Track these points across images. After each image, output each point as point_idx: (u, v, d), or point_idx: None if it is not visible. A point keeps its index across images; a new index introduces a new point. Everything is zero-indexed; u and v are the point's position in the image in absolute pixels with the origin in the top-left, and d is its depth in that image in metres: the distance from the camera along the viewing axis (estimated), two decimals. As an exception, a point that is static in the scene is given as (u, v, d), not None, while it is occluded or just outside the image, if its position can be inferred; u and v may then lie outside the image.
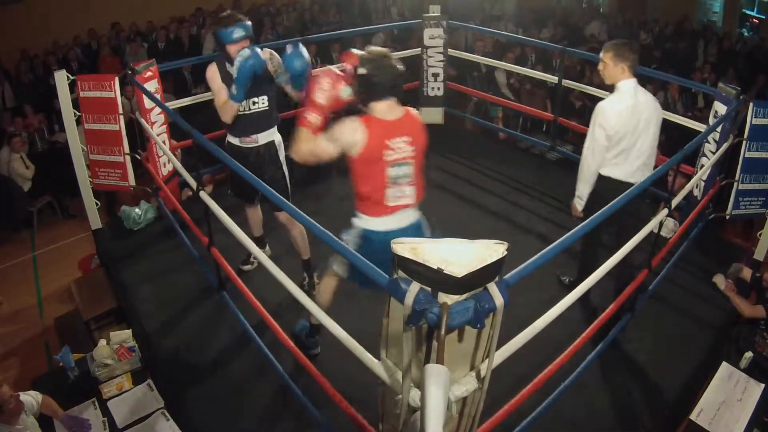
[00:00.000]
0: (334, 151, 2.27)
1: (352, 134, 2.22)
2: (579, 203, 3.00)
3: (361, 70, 2.22)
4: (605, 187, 2.84)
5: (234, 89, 2.82)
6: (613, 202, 2.16)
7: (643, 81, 7.44)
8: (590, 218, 2.04)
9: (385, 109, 2.26)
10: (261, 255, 2.40)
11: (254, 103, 3.03)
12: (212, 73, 3.03)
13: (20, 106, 7.40)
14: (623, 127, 2.72)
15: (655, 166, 2.93)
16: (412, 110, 2.36)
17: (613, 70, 2.77)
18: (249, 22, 2.98)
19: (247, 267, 3.59)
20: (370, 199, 2.34)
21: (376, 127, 2.23)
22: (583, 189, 2.93)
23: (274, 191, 2.23)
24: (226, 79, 2.98)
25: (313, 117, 2.29)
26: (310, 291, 3.31)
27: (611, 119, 2.72)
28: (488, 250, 1.45)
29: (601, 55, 2.83)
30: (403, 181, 2.32)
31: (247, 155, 3.12)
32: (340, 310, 3.21)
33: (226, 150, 3.07)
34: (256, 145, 3.13)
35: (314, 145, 2.27)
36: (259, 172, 2.56)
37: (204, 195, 2.84)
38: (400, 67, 2.24)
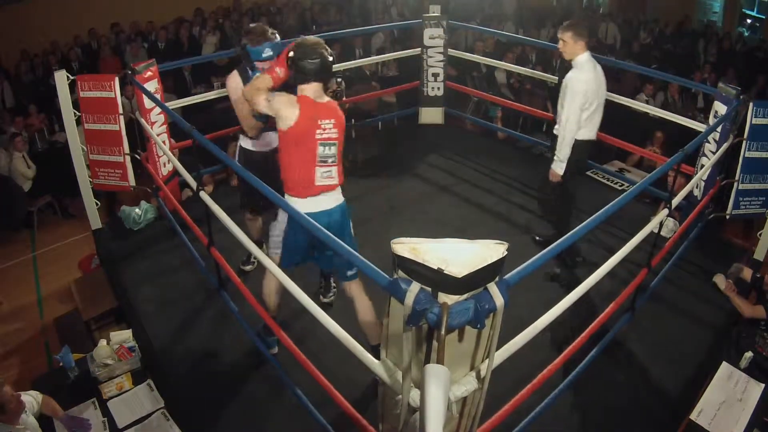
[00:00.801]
0: (264, 109, 2.44)
1: (288, 106, 2.37)
2: (561, 167, 3.32)
3: (291, 55, 2.38)
4: (578, 148, 3.27)
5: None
6: (611, 204, 2.17)
7: (643, 81, 7.47)
8: (590, 218, 2.04)
9: (313, 92, 2.41)
10: (261, 255, 2.40)
11: None
12: (235, 83, 2.96)
13: (21, 105, 7.41)
14: (592, 94, 3.16)
15: (655, 167, 2.94)
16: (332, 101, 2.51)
17: (573, 47, 3.17)
18: (278, 38, 2.95)
19: (248, 267, 3.59)
20: (300, 180, 2.45)
21: (308, 105, 2.39)
22: (566, 152, 3.27)
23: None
24: None
25: (281, 72, 2.46)
26: (325, 294, 3.25)
27: (584, 88, 3.13)
28: (488, 250, 1.45)
29: (560, 35, 3.21)
30: (330, 161, 2.46)
31: (259, 161, 3.09)
32: (340, 310, 3.22)
33: (240, 155, 3.12)
34: (270, 149, 3.10)
35: (261, 94, 2.44)
36: (269, 179, 2.53)
37: (204, 195, 2.84)
38: (329, 56, 2.39)
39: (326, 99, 2.47)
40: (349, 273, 2.58)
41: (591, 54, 3.21)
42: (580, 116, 3.18)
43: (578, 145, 3.27)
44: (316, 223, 2.06)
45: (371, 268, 1.63)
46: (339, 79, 2.59)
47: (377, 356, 1.78)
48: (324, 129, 2.41)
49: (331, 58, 2.40)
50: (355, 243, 2.64)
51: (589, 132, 3.30)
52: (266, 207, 3.24)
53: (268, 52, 2.87)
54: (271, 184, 2.43)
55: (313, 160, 2.42)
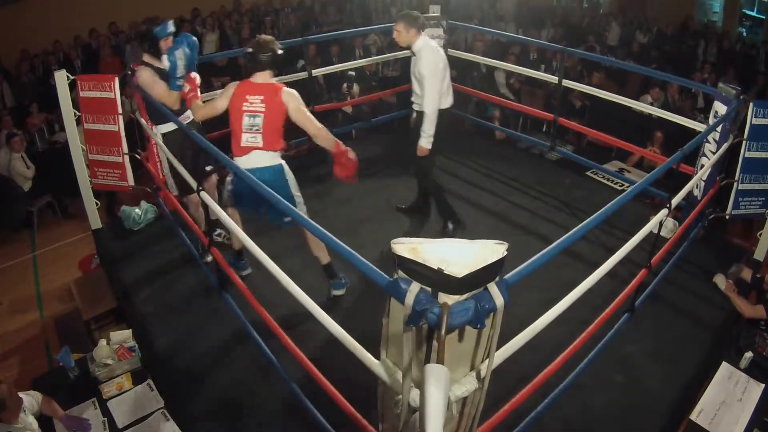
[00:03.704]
0: (221, 104, 3.08)
1: (227, 90, 3.08)
2: (430, 142, 3.64)
3: (247, 49, 3.01)
4: (441, 118, 3.62)
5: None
6: (610, 203, 2.17)
7: (644, 81, 7.46)
8: (590, 218, 2.04)
9: (261, 77, 3.01)
10: (261, 255, 2.40)
11: None
12: (143, 76, 3.40)
13: (21, 105, 7.41)
14: (442, 70, 3.56)
15: (654, 167, 2.95)
16: (286, 88, 3.01)
17: (407, 36, 3.51)
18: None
19: (245, 272, 3.54)
20: (234, 141, 3.06)
21: (243, 86, 3.03)
22: (432, 128, 3.60)
23: (282, 199, 2.32)
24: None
25: (191, 94, 3.30)
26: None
27: (432, 69, 3.48)
28: (488, 250, 1.45)
29: (394, 25, 3.56)
30: (254, 130, 3.00)
31: (181, 139, 3.39)
32: (340, 310, 3.22)
33: (166, 142, 3.45)
34: (186, 122, 3.35)
35: (209, 108, 3.17)
36: (193, 150, 3.20)
37: (204, 195, 2.84)
38: (279, 51, 3.02)
39: (267, 81, 3.02)
40: (286, 220, 3.01)
41: (425, 37, 3.58)
42: (438, 94, 3.55)
43: (439, 115, 3.63)
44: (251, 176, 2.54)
45: (371, 268, 1.63)
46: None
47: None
48: (251, 102, 2.98)
49: (280, 52, 3.02)
50: (298, 204, 3.14)
51: (446, 102, 3.71)
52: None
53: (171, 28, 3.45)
54: (196, 154, 3.42)
55: (240, 129, 3.01)
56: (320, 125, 3.06)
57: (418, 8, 5.03)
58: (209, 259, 3.52)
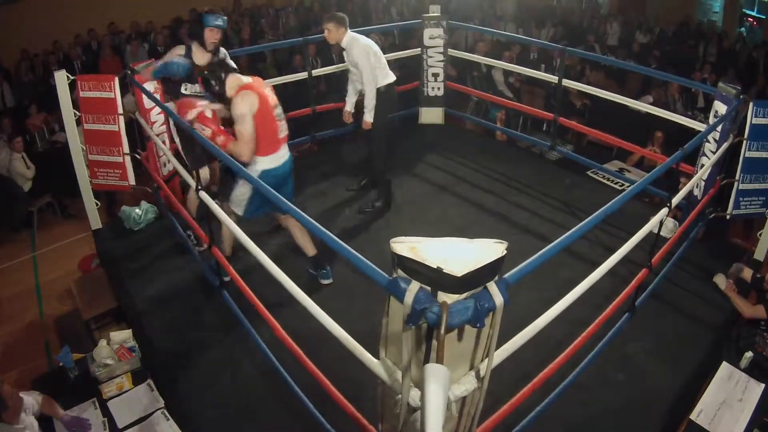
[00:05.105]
0: (251, 125, 2.95)
1: (248, 103, 2.94)
2: (371, 116, 4.01)
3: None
4: (384, 93, 4.02)
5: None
6: (610, 203, 2.17)
7: (644, 81, 7.44)
8: (589, 218, 2.04)
9: (250, 78, 3.08)
10: (261, 255, 2.40)
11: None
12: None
13: (21, 105, 7.40)
14: (374, 56, 3.96)
15: (654, 167, 2.95)
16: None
17: (336, 33, 3.93)
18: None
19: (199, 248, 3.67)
20: (268, 139, 3.04)
21: (254, 85, 3.01)
22: (374, 102, 3.99)
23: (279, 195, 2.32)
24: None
25: (222, 138, 3.01)
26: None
27: (365, 57, 3.90)
28: (488, 250, 1.45)
29: (325, 25, 3.95)
30: (282, 117, 3.12)
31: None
32: (340, 310, 3.22)
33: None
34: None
35: (245, 143, 2.98)
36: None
37: (204, 195, 2.84)
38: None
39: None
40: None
41: (351, 30, 3.99)
42: (374, 74, 3.95)
43: (385, 90, 4.03)
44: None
45: (371, 267, 1.63)
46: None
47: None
48: (269, 96, 3.02)
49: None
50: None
51: (385, 79, 4.04)
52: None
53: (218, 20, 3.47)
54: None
55: (275, 119, 3.05)
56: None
57: (418, 8, 5.04)
58: (203, 248, 3.59)
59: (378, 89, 3.99)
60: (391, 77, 4.12)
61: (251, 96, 2.94)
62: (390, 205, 4.32)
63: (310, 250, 3.38)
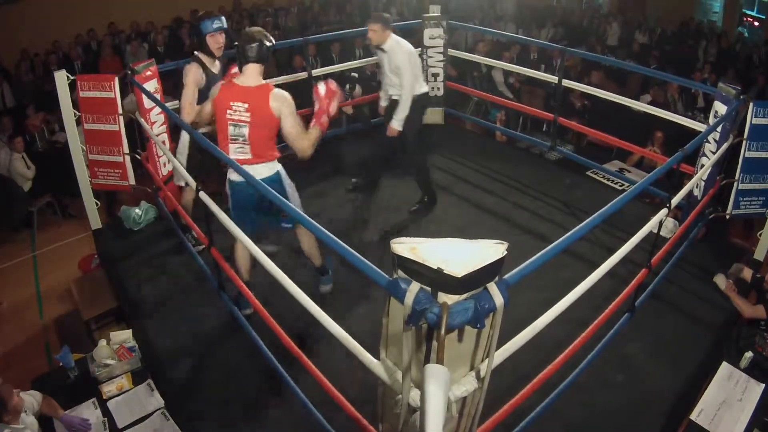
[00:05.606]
0: (207, 109, 2.86)
1: (213, 91, 2.78)
2: (401, 124, 3.95)
3: (237, 43, 2.71)
4: (417, 101, 3.97)
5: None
6: (611, 203, 2.17)
7: (644, 81, 7.44)
8: (590, 218, 2.04)
9: (248, 75, 2.71)
10: (259, 254, 2.40)
11: None
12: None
13: (21, 105, 7.40)
14: (416, 65, 3.96)
15: (655, 167, 2.95)
16: (276, 92, 2.70)
17: (382, 35, 3.83)
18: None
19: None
20: (221, 142, 2.81)
21: (227, 88, 2.73)
22: (406, 113, 3.92)
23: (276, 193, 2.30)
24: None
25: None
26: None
27: (409, 61, 3.85)
28: (488, 250, 1.45)
29: (370, 25, 3.83)
30: (241, 140, 2.75)
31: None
32: (341, 310, 3.22)
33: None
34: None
35: (194, 112, 3.10)
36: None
37: (204, 195, 2.84)
38: (268, 43, 2.69)
39: (253, 83, 2.71)
40: (285, 225, 3.00)
41: (394, 35, 3.92)
42: (414, 82, 3.91)
43: (418, 100, 3.99)
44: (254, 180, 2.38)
45: (371, 267, 1.63)
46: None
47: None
48: (235, 111, 2.69)
49: (269, 44, 2.71)
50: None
51: (421, 87, 4.03)
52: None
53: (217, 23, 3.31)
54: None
55: (226, 138, 2.76)
56: (308, 136, 2.78)
57: (418, 8, 5.04)
58: (201, 248, 3.56)
59: (415, 96, 3.92)
60: (425, 87, 4.09)
61: (216, 88, 2.81)
62: (435, 200, 4.33)
63: (317, 260, 3.24)
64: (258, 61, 2.70)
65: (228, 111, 2.71)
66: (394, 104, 4.02)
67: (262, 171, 2.81)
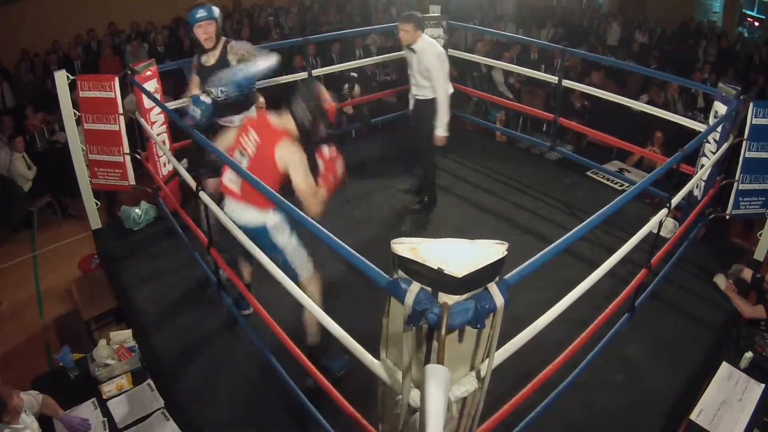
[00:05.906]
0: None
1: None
2: (445, 130, 3.89)
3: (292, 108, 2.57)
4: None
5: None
6: (611, 204, 2.17)
7: (644, 81, 7.44)
8: (590, 218, 2.04)
9: (279, 113, 2.60)
10: (262, 256, 2.40)
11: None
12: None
13: (21, 105, 7.40)
14: (447, 60, 3.86)
15: (655, 167, 2.95)
16: (285, 141, 2.47)
17: (413, 35, 3.75)
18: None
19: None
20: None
21: (261, 113, 2.77)
22: (446, 118, 3.88)
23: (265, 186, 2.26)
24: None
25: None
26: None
27: (440, 61, 3.78)
28: (488, 250, 1.45)
29: (402, 25, 3.74)
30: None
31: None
32: (340, 310, 3.22)
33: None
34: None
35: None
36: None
37: (203, 195, 2.84)
38: (307, 123, 2.52)
39: (281, 126, 2.54)
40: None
41: (425, 35, 3.85)
42: (446, 83, 3.84)
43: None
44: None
45: (371, 267, 1.63)
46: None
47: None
48: (249, 137, 2.54)
49: (307, 123, 2.53)
50: (295, 250, 2.59)
51: (449, 88, 3.95)
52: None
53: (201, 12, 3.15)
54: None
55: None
56: (314, 188, 2.49)
57: (418, 8, 5.04)
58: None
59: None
60: (451, 88, 3.98)
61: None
62: (436, 200, 4.34)
63: (311, 337, 2.76)
64: (294, 120, 2.53)
65: (243, 134, 2.58)
66: (419, 105, 3.96)
67: (246, 215, 2.55)
